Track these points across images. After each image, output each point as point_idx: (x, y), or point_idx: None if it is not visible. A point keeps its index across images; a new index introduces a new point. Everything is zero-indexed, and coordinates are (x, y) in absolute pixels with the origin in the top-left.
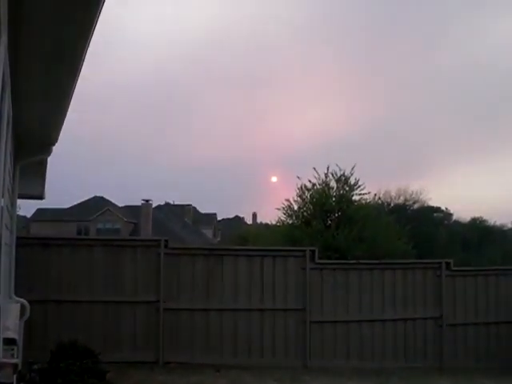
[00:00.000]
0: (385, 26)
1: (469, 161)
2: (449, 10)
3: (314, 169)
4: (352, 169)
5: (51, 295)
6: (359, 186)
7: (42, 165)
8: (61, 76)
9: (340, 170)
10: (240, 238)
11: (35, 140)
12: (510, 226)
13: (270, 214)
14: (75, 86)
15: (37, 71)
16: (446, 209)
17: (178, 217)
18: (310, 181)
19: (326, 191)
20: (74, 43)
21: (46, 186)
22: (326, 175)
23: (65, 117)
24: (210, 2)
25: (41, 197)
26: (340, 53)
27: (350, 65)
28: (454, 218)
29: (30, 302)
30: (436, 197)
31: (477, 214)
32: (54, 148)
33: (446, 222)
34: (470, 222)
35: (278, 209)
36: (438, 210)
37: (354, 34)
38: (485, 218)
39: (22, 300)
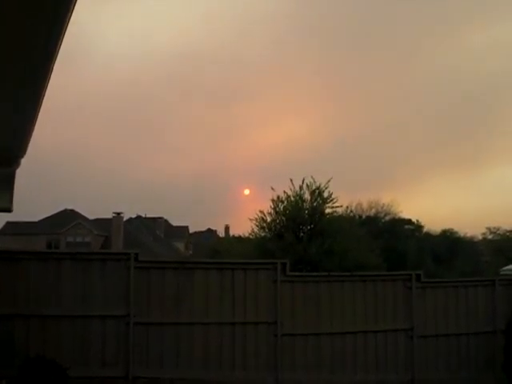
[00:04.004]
0: (360, 39)
1: (439, 173)
2: (422, 25)
3: (291, 180)
4: (327, 182)
5: (19, 310)
6: (332, 200)
7: (10, 177)
8: (27, 87)
9: (315, 182)
10: (212, 251)
11: (2, 152)
12: (480, 237)
13: (243, 226)
14: (43, 96)
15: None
16: (417, 221)
17: (150, 230)
18: (284, 192)
19: (300, 204)
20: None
21: (15, 198)
22: (301, 187)
23: (33, 128)
24: (183, 16)
25: (9, 209)
26: (314, 65)
27: (322, 78)
28: (425, 230)
29: None
30: (407, 209)
31: (447, 226)
32: (23, 160)
33: (416, 234)
34: (440, 234)
35: (252, 219)
36: (408, 222)
37: (330, 48)
38: (455, 229)
39: None
